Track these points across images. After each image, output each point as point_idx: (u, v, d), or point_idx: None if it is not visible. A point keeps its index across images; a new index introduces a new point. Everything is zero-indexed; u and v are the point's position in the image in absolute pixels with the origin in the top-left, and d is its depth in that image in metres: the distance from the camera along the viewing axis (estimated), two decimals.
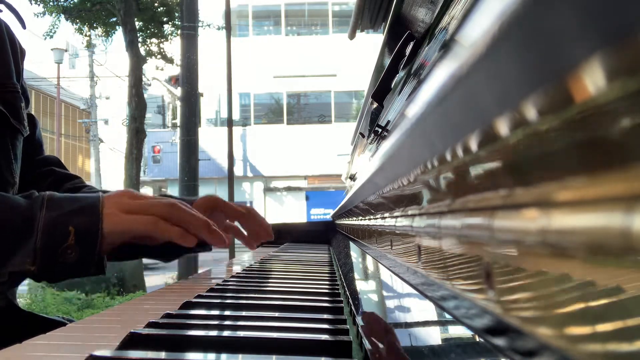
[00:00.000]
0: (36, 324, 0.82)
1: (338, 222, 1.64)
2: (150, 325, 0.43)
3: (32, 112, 0.97)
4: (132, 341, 0.38)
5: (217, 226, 0.73)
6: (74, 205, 0.66)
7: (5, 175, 0.82)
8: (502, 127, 0.17)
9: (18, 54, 0.90)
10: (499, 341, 0.20)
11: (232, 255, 5.18)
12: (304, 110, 16.64)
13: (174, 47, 8.39)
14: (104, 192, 0.82)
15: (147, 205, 0.70)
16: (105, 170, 15.60)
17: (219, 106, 16.07)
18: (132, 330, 0.39)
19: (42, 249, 0.63)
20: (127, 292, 5.91)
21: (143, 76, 8.14)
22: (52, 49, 13.88)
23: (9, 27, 0.90)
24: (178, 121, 8.05)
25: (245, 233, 0.92)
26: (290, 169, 15.16)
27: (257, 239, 0.94)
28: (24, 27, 0.96)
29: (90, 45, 10.38)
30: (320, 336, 0.39)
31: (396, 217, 0.45)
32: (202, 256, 6.89)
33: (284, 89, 16.11)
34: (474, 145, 0.20)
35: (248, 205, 0.97)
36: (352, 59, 13.95)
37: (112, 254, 0.77)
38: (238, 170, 14.15)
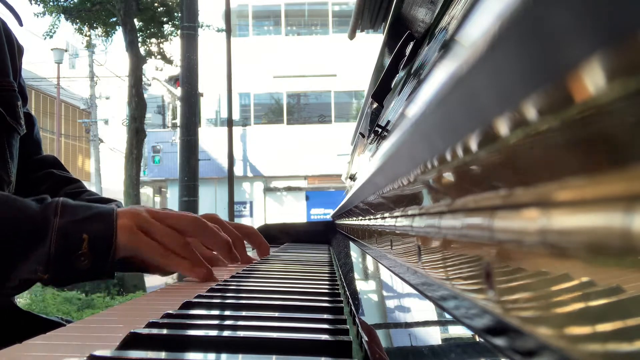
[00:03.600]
0: (36, 324, 0.82)
1: (338, 222, 1.64)
2: (150, 325, 0.43)
3: (32, 112, 0.97)
4: (132, 341, 0.38)
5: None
6: (89, 213, 0.66)
7: (1, 173, 0.81)
8: (502, 127, 0.17)
9: (15, 51, 0.90)
10: (499, 341, 0.20)
11: None
12: (304, 110, 16.64)
13: (174, 47, 8.39)
14: (109, 200, 0.83)
15: (163, 230, 0.69)
16: (105, 170, 15.60)
17: (219, 106, 16.07)
18: (132, 330, 0.39)
19: (55, 256, 0.63)
20: (127, 292, 5.91)
21: (143, 76, 8.14)
22: (52, 49, 13.87)
23: (5, 24, 0.89)
24: (178, 121, 8.05)
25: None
26: (290, 169, 15.16)
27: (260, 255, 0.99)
28: (20, 24, 0.96)
29: (90, 45, 10.39)
30: (320, 336, 0.39)
31: (396, 217, 0.45)
32: None
33: (284, 89, 16.11)
34: (474, 145, 0.20)
35: (248, 222, 1.01)
36: (352, 59, 13.94)
37: (119, 266, 0.78)
38: (238, 170, 14.15)
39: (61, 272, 0.63)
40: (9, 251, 0.62)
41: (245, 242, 0.96)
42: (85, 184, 1.01)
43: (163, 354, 0.37)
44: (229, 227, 0.88)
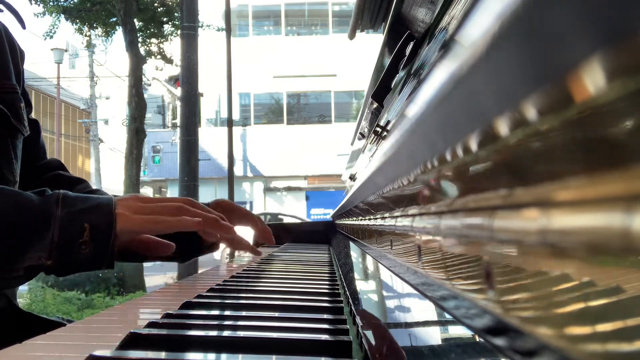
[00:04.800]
0: (36, 324, 0.82)
1: (338, 222, 1.64)
2: (150, 325, 0.43)
3: (33, 113, 0.97)
4: (132, 341, 0.38)
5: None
6: (88, 203, 0.69)
7: (6, 174, 0.82)
8: (502, 127, 0.17)
9: (17, 55, 0.91)
10: (499, 341, 0.20)
11: (232, 255, 5.18)
12: (304, 110, 16.63)
13: (174, 47, 8.39)
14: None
15: (157, 208, 0.74)
16: (105, 170, 15.60)
17: (219, 106, 16.07)
18: (132, 330, 0.39)
19: (59, 244, 0.66)
20: (127, 292, 5.91)
21: (143, 76, 8.14)
22: (52, 49, 13.87)
23: (7, 29, 0.90)
24: (178, 121, 8.05)
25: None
26: (290, 169, 15.16)
27: (262, 239, 1.00)
28: (23, 27, 0.97)
29: (90, 45, 10.38)
30: (320, 336, 0.39)
31: (396, 217, 0.45)
32: (202, 256, 6.88)
33: (284, 89, 16.11)
34: (473, 145, 0.20)
35: (247, 205, 1.03)
36: (352, 59, 13.94)
37: (123, 255, 0.81)
38: (238, 170, 14.15)
39: (64, 260, 0.66)
40: (13, 241, 0.65)
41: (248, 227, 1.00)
42: None
43: (163, 354, 0.37)
44: (241, 211, 0.96)
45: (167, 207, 0.74)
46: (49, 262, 0.65)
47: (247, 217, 0.98)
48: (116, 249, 0.70)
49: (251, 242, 1.01)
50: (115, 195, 0.82)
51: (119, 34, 8.04)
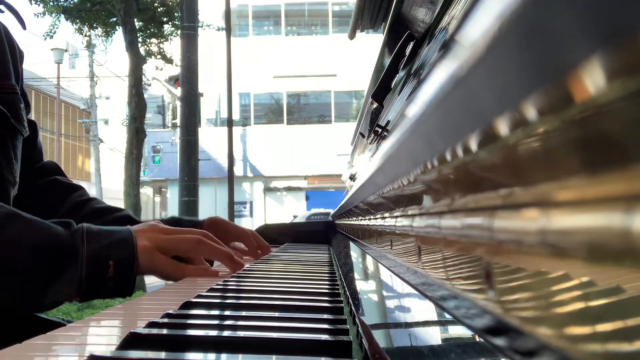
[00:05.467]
0: (36, 324, 0.82)
1: (338, 222, 1.64)
2: (150, 325, 0.43)
3: (32, 113, 0.98)
4: (132, 341, 0.38)
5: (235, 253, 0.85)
6: (112, 239, 0.73)
7: (6, 174, 0.83)
8: (502, 127, 0.17)
9: (17, 56, 0.91)
10: (499, 341, 0.20)
11: None
12: (304, 110, 16.63)
13: (174, 47, 8.39)
14: (117, 209, 0.91)
15: (177, 242, 0.79)
16: (105, 170, 15.59)
17: (219, 106, 16.07)
18: (132, 330, 0.39)
19: (87, 280, 0.69)
20: None
21: (143, 76, 8.14)
22: (52, 49, 13.86)
23: (7, 29, 0.90)
24: (178, 121, 8.05)
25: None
26: (290, 169, 15.16)
27: (257, 256, 1.08)
28: (24, 27, 0.97)
29: (90, 45, 10.39)
30: (320, 336, 0.39)
31: (396, 217, 0.45)
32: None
33: (284, 89, 16.11)
34: (473, 145, 0.20)
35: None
36: (352, 59, 13.94)
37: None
38: (238, 170, 14.14)
39: (90, 294, 0.70)
40: (42, 275, 0.67)
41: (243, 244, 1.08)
42: (85, 184, 1.05)
43: (163, 354, 0.37)
44: (236, 230, 1.02)
45: (186, 242, 0.79)
46: (77, 297, 0.69)
47: (241, 236, 1.04)
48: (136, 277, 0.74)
49: (246, 255, 1.06)
50: (126, 215, 0.88)
51: (119, 34, 8.04)
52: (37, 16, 7.53)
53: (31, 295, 0.67)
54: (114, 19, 7.79)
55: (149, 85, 14.69)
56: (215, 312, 0.51)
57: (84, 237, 0.70)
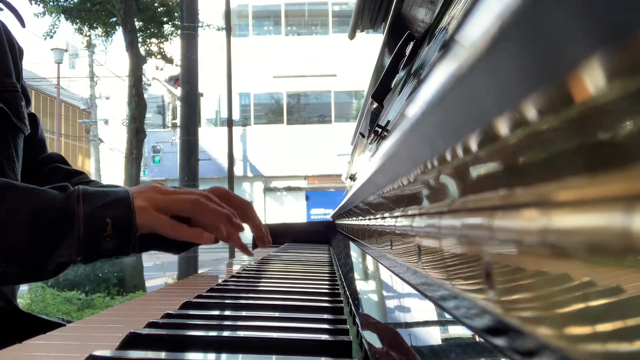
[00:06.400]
0: (36, 325, 0.82)
1: (338, 222, 1.64)
2: (150, 325, 0.43)
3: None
4: (132, 341, 0.38)
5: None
6: (107, 199, 0.73)
7: (8, 172, 0.83)
8: (502, 127, 0.17)
9: (17, 53, 0.91)
10: (499, 341, 0.20)
11: (232, 255, 5.19)
12: (304, 110, 16.63)
13: (174, 47, 8.38)
14: (114, 186, 0.88)
15: (174, 202, 0.78)
16: (105, 170, 15.59)
17: (219, 106, 16.06)
18: (132, 330, 0.39)
19: (84, 240, 0.70)
20: (127, 292, 5.91)
21: (143, 76, 8.14)
22: (52, 49, 13.86)
23: (6, 27, 0.90)
24: (178, 121, 8.04)
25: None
26: (290, 169, 15.15)
27: (257, 238, 1.04)
28: (23, 25, 0.97)
29: (90, 45, 10.38)
30: (320, 336, 0.39)
31: (396, 217, 0.45)
32: (202, 256, 6.90)
33: (284, 89, 16.10)
34: (473, 145, 0.20)
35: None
36: (352, 59, 13.93)
37: (140, 246, 0.84)
38: (238, 170, 14.14)
39: (91, 253, 0.71)
40: (44, 239, 0.68)
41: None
42: None
43: (163, 354, 0.37)
44: (236, 199, 0.98)
45: (184, 202, 0.78)
46: (78, 257, 0.70)
47: (245, 209, 0.99)
48: (138, 235, 0.74)
49: (252, 240, 1.02)
50: (114, 185, 0.85)
51: (119, 34, 8.04)
52: (37, 16, 7.53)
53: (35, 262, 0.68)
54: (114, 19, 7.78)
55: (149, 85, 14.68)
56: (215, 312, 0.51)
57: (80, 199, 0.71)
